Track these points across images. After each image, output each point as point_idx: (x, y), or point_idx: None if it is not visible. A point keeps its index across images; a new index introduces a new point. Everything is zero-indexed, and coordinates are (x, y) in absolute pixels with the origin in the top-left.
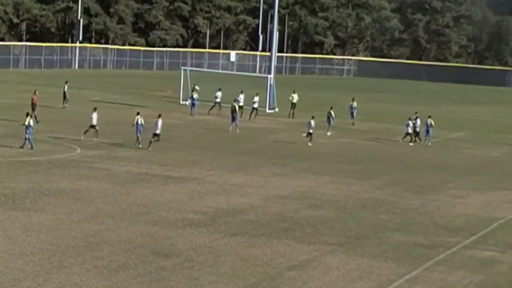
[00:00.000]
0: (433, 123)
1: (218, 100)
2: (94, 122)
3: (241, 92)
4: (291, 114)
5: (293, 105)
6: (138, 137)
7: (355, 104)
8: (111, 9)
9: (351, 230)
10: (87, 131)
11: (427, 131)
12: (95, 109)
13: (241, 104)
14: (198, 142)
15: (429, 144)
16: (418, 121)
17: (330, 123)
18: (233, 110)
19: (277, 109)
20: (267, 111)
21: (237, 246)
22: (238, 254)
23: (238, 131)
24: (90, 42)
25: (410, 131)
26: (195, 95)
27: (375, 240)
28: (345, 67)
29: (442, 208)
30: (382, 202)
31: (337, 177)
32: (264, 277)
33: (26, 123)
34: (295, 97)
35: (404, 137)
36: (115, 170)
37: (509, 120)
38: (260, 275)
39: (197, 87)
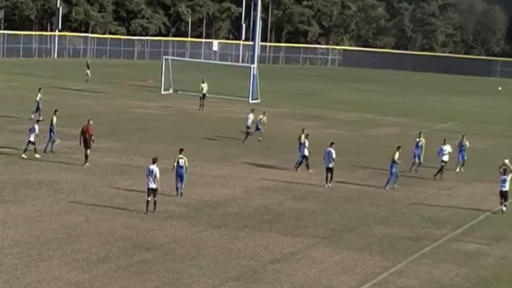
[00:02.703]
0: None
1: (204, 92)
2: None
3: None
4: (201, 105)
5: (203, 95)
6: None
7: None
8: None
9: (335, 223)
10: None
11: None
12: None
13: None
14: (180, 133)
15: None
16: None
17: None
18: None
19: (260, 99)
20: (250, 101)
21: (220, 239)
22: (220, 247)
23: (260, 138)
24: (71, 31)
25: (446, 158)
26: (204, 89)
27: (359, 232)
28: (330, 57)
29: (428, 200)
30: (367, 194)
31: (321, 169)
32: (246, 270)
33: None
34: (205, 87)
35: (439, 172)
36: (95, 161)
37: (495, 111)
38: (243, 268)
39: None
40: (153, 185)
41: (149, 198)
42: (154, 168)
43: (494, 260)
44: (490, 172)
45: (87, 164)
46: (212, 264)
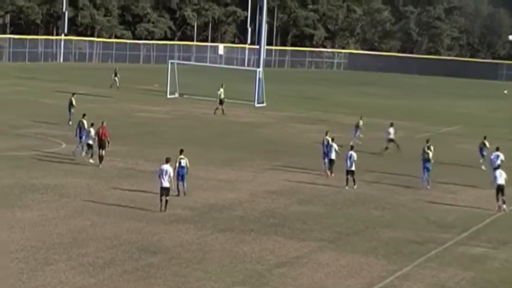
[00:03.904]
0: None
1: (222, 97)
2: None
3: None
4: (218, 109)
5: (221, 101)
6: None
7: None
8: (98, 1)
9: (341, 226)
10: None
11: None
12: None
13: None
14: (186, 136)
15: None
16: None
17: None
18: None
19: (265, 103)
20: (256, 105)
21: (225, 243)
22: (226, 251)
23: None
24: (76, 35)
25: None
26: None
27: (365, 236)
28: (335, 60)
29: (433, 203)
30: (373, 197)
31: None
32: (252, 274)
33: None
34: (222, 92)
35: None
36: (101, 165)
37: (501, 114)
38: (249, 272)
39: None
40: (166, 184)
41: (162, 198)
42: (168, 167)
43: (500, 264)
44: None
45: (101, 165)
46: (218, 268)
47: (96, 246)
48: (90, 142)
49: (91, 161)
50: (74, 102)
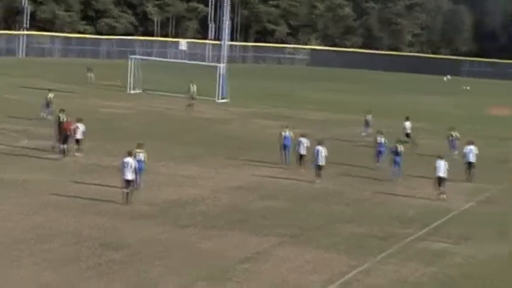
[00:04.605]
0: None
1: (192, 93)
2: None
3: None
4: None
5: (192, 97)
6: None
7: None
8: None
9: (303, 222)
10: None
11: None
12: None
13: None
14: (148, 132)
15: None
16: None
17: None
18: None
19: (228, 99)
20: (219, 101)
21: (188, 239)
22: (189, 247)
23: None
24: (37, 30)
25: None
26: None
27: (327, 231)
28: (298, 56)
29: (396, 199)
30: (335, 193)
31: (289, 168)
32: (215, 270)
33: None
34: (194, 88)
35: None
36: (63, 161)
37: (463, 111)
38: (211, 268)
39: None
40: (129, 176)
41: (125, 190)
42: (131, 160)
43: (461, 259)
44: (458, 172)
45: (65, 158)
46: (181, 264)
47: (59, 242)
48: (79, 137)
49: (77, 154)
50: (49, 97)
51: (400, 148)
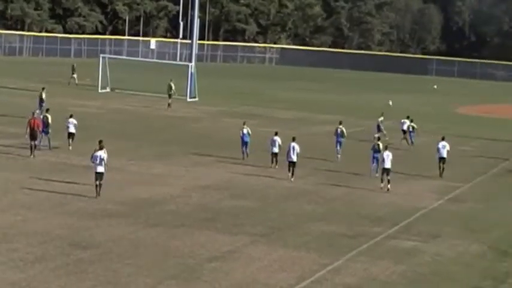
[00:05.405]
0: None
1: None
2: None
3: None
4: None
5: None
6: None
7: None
8: None
9: (273, 221)
10: None
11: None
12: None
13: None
14: (118, 131)
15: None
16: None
17: None
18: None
19: (198, 98)
20: (188, 100)
21: (157, 238)
22: (158, 246)
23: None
24: (6, 29)
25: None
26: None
27: (297, 230)
28: (267, 55)
29: (365, 198)
30: (305, 192)
31: (259, 167)
32: (184, 269)
33: None
34: (172, 86)
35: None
36: (32, 160)
37: (431, 109)
38: (180, 267)
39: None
40: (100, 169)
41: (97, 182)
42: (102, 153)
43: (431, 257)
44: (425, 169)
45: (33, 156)
46: (149, 263)
47: (27, 242)
48: (72, 131)
49: (70, 148)
50: (43, 96)
51: (380, 146)
